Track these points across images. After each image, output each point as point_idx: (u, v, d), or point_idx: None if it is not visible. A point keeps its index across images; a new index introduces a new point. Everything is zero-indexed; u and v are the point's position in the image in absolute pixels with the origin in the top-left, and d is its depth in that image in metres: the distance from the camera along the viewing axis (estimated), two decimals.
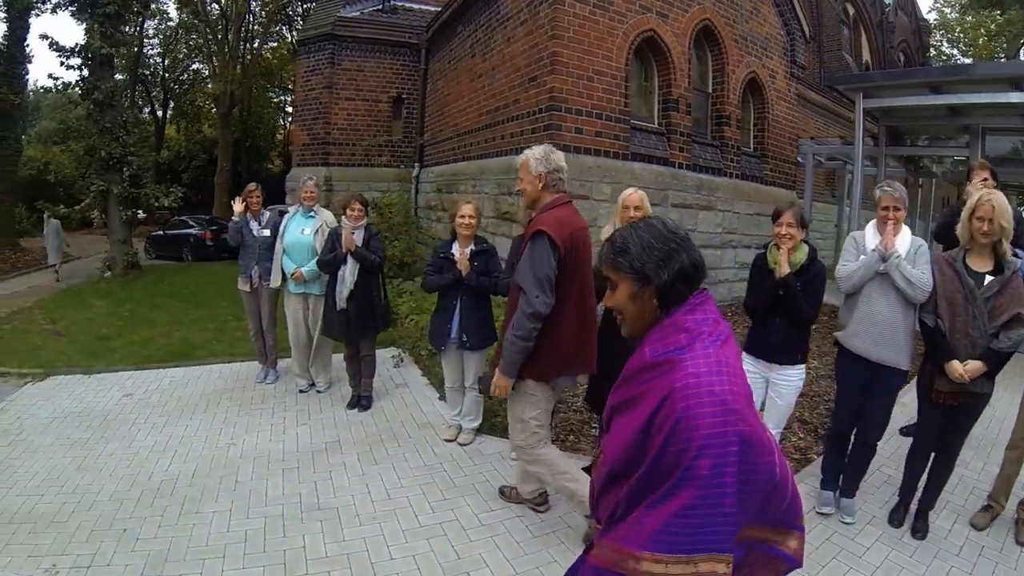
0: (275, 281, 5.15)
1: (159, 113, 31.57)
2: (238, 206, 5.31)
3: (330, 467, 3.89)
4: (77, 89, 11.88)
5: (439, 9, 11.79)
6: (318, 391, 5.32)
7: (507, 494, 3.52)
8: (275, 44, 28.75)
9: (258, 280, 5.33)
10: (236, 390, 5.38)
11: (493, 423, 4.45)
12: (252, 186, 5.52)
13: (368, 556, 2.94)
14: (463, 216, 4.09)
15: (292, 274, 4.97)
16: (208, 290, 10.82)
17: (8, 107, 15.51)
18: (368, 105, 11.42)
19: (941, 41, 32.34)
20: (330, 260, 4.62)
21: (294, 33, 30.02)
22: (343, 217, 4.74)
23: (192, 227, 16.87)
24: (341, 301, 4.63)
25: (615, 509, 1.40)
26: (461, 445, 4.23)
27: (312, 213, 5.12)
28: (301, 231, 5.06)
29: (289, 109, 37.27)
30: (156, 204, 12.48)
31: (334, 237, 4.66)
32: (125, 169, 11.76)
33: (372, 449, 4.17)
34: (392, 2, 11.99)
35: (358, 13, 11.51)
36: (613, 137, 7.11)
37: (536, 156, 2.96)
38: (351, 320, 4.68)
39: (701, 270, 1.40)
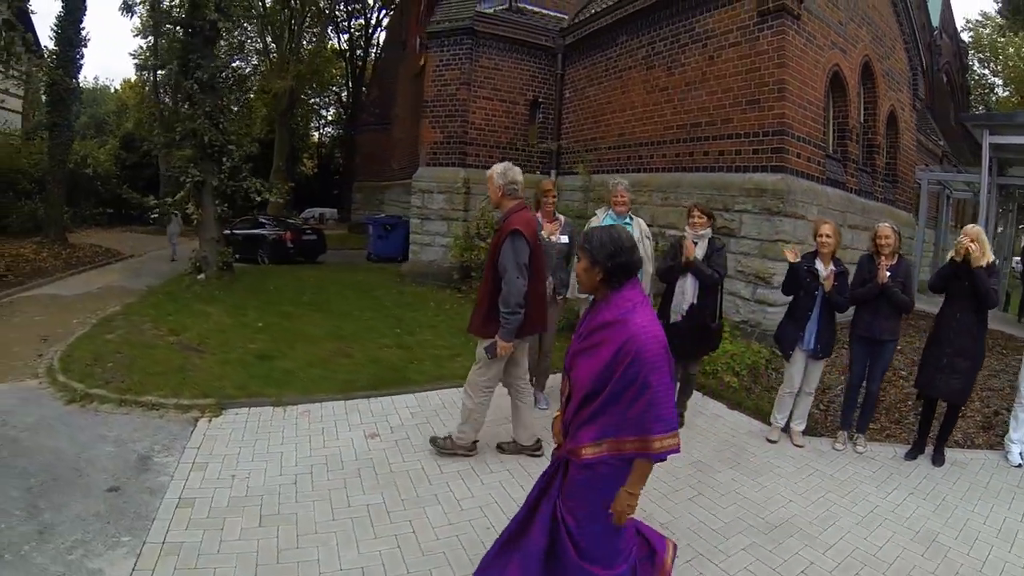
0: (577, 291, 5.20)
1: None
2: (549, 227, 5.27)
3: (732, 485, 4.33)
4: (176, 65, 11.71)
5: (567, 16, 12.77)
6: None
7: (505, 448, 4.66)
8: (312, 45, 29.21)
9: (551, 292, 5.21)
10: (507, 421, 5.00)
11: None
12: (548, 185, 5.48)
13: None
14: (822, 235, 4.90)
15: None
16: (329, 297, 10.78)
17: (63, 91, 15.44)
18: (505, 106, 12.09)
19: (972, 60, 34.79)
20: (669, 268, 4.97)
21: (339, 35, 30.93)
22: (686, 226, 5.09)
23: (266, 226, 16.54)
24: (677, 314, 4.95)
25: (591, 415, 2.37)
26: (797, 446, 5.08)
27: (627, 219, 5.34)
28: None
29: (323, 112, 38.51)
30: (258, 199, 12.70)
31: (676, 246, 5.00)
32: (225, 159, 11.61)
33: (760, 469, 4.65)
34: (518, 3, 12.78)
35: (492, 10, 12.27)
36: (816, 163, 8.20)
37: (498, 171, 4.19)
38: (682, 337, 4.86)
39: (634, 267, 2.41)
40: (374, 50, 34.66)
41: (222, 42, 28.80)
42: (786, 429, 5.29)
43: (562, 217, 5.53)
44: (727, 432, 5.36)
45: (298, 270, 14.56)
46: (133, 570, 3.05)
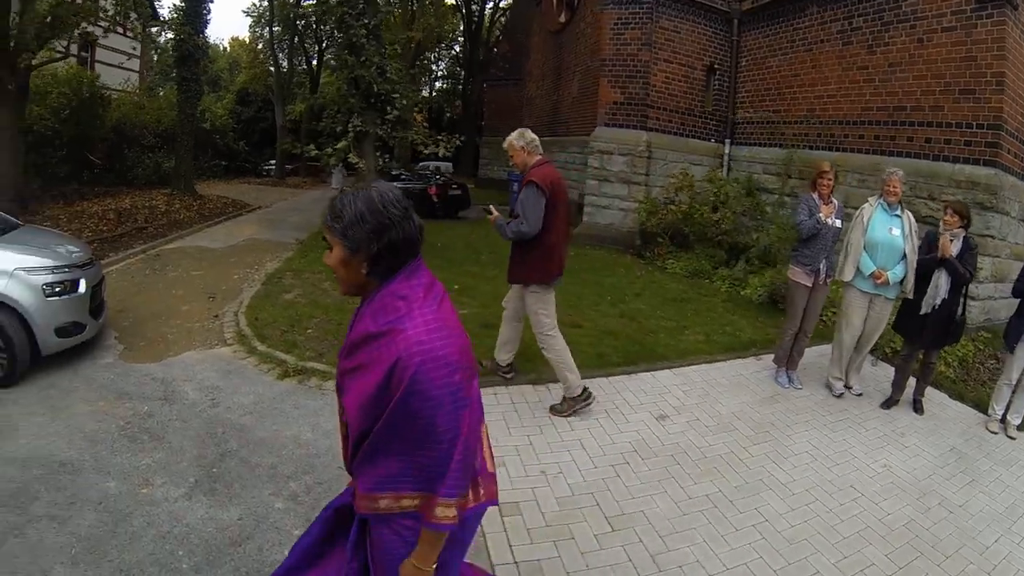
0: (848, 275, 5.44)
1: (313, 63, 33.72)
2: (826, 210, 5.51)
3: (994, 473, 4.59)
4: (347, 9, 11.15)
5: None
6: (856, 394, 5.81)
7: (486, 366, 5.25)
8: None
9: (824, 275, 5.53)
10: (775, 400, 5.44)
11: None
12: (825, 166, 5.61)
13: None
14: None
15: (872, 273, 5.33)
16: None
17: (191, 47, 16.28)
18: (684, 71, 12.50)
19: None
20: (927, 261, 5.30)
21: None
22: (940, 222, 5.34)
23: (405, 180, 16.81)
24: (927, 306, 5.27)
25: (366, 455, 1.71)
26: (1010, 438, 5.32)
27: (898, 211, 5.42)
28: (889, 230, 5.34)
29: (433, 66, 40.29)
30: (425, 152, 13.29)
31: (931, 240, 5.34)
32: (389, 108, 11.58)
33: (1008, 459, 4.83)
34: None
35: None
36: (1021, 158, 8.56)
37: (514, 138, 4.78)
38: (927, 326, 5.32)
39: (414, 245, 1.66)
40: (489, 4, 35.31)
41: None
42: (1003, 420, 5.55)
43: (836, 201, 5.71)
44: (961, 422, 5.66)
45: (450, 226, 14.56)
46: None
